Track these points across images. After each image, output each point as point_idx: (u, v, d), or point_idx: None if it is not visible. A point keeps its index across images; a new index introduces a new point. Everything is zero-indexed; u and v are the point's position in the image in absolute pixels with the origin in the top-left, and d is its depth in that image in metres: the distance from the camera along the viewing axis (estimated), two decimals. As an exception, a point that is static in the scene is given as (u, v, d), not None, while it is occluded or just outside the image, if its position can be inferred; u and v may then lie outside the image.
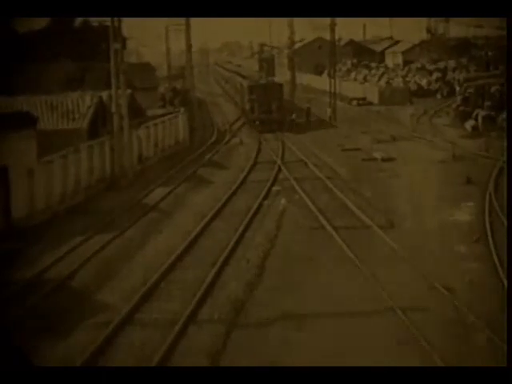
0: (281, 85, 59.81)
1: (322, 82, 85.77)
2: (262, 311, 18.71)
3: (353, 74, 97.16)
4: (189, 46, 58.84)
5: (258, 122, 55.50)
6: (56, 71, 47.43)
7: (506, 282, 19.09)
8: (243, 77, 70.44)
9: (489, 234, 24.56)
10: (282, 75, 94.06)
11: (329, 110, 61.52)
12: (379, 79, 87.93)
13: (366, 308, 18.57)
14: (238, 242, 24.96)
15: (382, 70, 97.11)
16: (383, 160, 39.90)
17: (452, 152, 40.29)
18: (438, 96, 76.24)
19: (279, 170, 38.58)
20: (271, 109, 55.50)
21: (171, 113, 51.29)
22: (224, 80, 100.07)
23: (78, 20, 55.33)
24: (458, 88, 70.01)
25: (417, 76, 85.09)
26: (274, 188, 33.98)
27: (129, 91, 38.61)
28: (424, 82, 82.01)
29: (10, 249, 23.74)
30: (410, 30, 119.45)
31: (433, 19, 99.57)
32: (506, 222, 24.48)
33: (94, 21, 53.72)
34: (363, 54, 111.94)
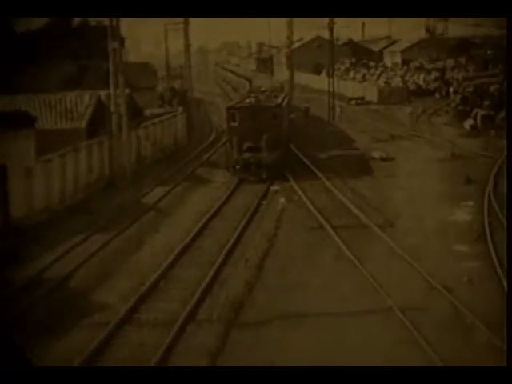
0: (279, 106, 39.03)
1: (320, 82, 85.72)
2: (260, 311, 18.75)
3: (351, 74, 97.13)
4: (187, 46, 58.82)
5: (238, 166, 35.85)
6: (54, 70, 47.36)
7: (505, 282, 19.10)
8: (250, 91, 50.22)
9: (488, 233, 24.58)
10: (280, 74, 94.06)
11: (338, 110, 61.72)
12: (378, 78, 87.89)
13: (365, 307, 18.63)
14: (236, 242, 25.01)
15: (380, 69, 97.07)
16: (382, 159, 39.90)
17: (451, 151, 40.33)
18: (437, 95, 76.20)
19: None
20: (260, 145, 35.98)
21: (170, 112, 51.24)
22: (231, 86, 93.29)
23: (77, 19, 55.27)
24: (451, 89, 70.25)
25: (415, 75, 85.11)
26: (273, 187, 33.94)
27: (127, 91, 38.57)
28: (422, 82, 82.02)
29: (9, 248, 23.73)
30: (409, 29, 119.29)
31: (432, 18, 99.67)
32: (504, 221, 24.48)
33: (93, 20, 53.67)
34: (362, 54, 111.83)
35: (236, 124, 37.14)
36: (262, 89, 47.80)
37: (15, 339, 10.00)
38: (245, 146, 36.09)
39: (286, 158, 38.80)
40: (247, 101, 40.39)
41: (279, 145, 37.11)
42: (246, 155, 35.83)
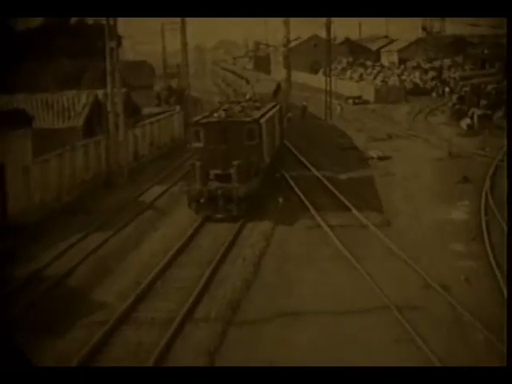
0: (256, 122, 29.86)
1: (317, 81, 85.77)
2: (258, 310, 18.78)
3: (348, 73, 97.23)
4: (184, 45, 58.68)
5: (202, 200, 28.10)
6: (52, 69, 47.39)
7: (502, 281, 19.13)
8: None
9: (485, 232, 24.61)
10: (277, 73, 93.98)
11: (338, 108, 62.07)
12: (375, 78, 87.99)
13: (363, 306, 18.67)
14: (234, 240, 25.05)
15: (377, 68, 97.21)
16: (379, 159, 39.94)
17: (448, 150, 40.38)
18: (434, 94, 76.39)
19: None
20: (229, 172, 28.24)
21: (167, 111, 51.25)
22: (232, 88, 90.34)
23: (74, 18, 55.27)
24: (447, 89, 70.41)
25: (412, 74, 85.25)
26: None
27: (124, 89, 38.56)
28: (419, 81, 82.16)
29: (7, 246, 23.72)
30: (406, 28, 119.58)
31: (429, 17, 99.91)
32: (502, 221, 24.51)
33: (90, 19, 53.70)
34: (359, 53, 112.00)
35: (201, 145, 29.21)
36: (247, 96, 40.44)
37: (14, 339, 10.01)
38: (211, 173, 28.53)
39: (267, 188, 31.13)
40: (215, 115, 31.30)
41: (256, 172, 29.06)
42: (213, 186, 28.20)
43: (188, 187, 28.87)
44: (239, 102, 35.68)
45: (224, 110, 31.98)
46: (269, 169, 31.60)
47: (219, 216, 27.91)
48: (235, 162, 28.07)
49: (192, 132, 29.74)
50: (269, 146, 31.65)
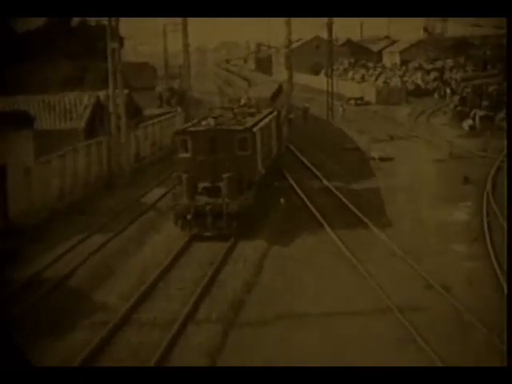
0: (248, 131, 27.36)
1: (319, 82, 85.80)
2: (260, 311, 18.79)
3: (350, 74, 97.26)
4: (186, 46, 58.65)
5: (189, 216, 25.69)
6: (53, 70, 47.39)
7: (504, 281, 19.11)
8: None
9: (486, 233, 24.60)
10: (279, 74, 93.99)
11: (340, 109, 62.06)
12: (377, 79, 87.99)
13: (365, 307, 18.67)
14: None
15: (379, 69, 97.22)
16: (381, 159, 39.92)
17: (450, 151, 40.38)
18: (436, 96, 76.38)
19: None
20: (219, 185, 26.01)
21: (168, 112, 51.23)
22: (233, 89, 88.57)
23: (76, 19, 55.32)
24: (448, 90, 70.40)
25: (414, 76, 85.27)
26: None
27: (126, 91, 38.56)
28: (421, 82, 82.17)
29: (8, 248, 23.72)
30: (408, 29, 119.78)
31: (430, 18, 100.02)
32: (504, 222, 24.48)
33: (92, 20, 53.70)
34: (361, 54, 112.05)
35: (188, 155, 26.66)
36: (242, 102, 37.85)
37: (14, 339, 10.00)
38: (199, 186, 26.22)
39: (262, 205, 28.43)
40: (204, 122, 28.44)
41: (249, 186, 26.76)
42: (201, 200, 25.80)
43: (174, 202, 26.53)
44: (232, 109, 32.92)
45: (214, 117, 29.08)
46: (264, 181, 29.28)
47: (208, 234, 25.51)
48: (226, 175, 25.80)
49: (179, 141, 27.16)
50: (264, 157, 29.37)
